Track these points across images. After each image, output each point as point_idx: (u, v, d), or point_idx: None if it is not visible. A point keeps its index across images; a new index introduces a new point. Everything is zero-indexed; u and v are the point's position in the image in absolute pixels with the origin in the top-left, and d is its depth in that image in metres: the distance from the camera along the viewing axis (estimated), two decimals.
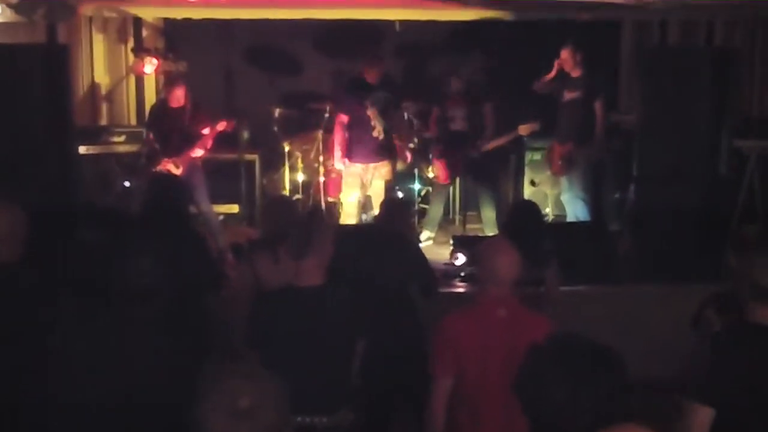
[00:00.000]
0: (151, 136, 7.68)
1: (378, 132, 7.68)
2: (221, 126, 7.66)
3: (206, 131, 7.56)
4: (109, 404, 2.95)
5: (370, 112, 7.67)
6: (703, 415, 3.02)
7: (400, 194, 8.45)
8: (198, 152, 7.55)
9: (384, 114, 7.74)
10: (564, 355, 2.24)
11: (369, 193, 7.88)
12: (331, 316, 3.69)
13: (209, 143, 7.60)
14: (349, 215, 7.87)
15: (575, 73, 7.84)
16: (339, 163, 7.88)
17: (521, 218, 5.43)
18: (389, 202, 5.93)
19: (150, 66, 8.74)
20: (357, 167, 7.78)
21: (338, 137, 7.80)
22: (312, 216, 4.30)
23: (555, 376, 2.19)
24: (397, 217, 5.28)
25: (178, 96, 7.49)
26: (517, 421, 3.58)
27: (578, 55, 7.81)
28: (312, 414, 3.57)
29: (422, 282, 5.08)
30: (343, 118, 7.78)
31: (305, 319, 3.65)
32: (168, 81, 7.83)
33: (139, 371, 2.99)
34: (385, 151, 7.85)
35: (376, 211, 7.38)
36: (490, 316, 3.66)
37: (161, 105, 7.77)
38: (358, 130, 7.72)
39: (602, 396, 2.18)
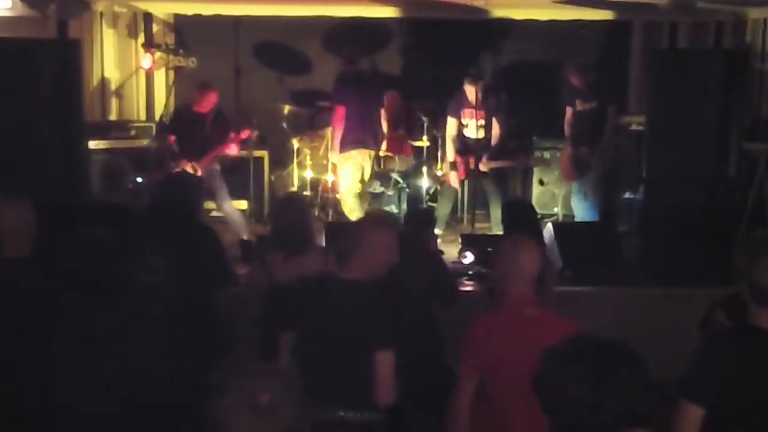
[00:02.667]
0: (173, 138, 7.71)
1: None
2: (245, 134, 7.82)
3: (230, 137, 7.64)
4: (115, 402, 2.96)
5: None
6: (693, 414, 3.00)
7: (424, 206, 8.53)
8: (233, 149, 7.68)
9: None
10: (586, 354, 2.22)
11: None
12: (362, 313, 3.62)
13: (234, 148, 7.70)
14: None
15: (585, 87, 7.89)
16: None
17: (515, 216, 5.40)
18: (415, 213, 5.88)
19: (160, 61, 8.76)
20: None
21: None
22: (366, 219, 4.27)
23: (576, 375, 2.17)
24: (421, 228, 5.27)
25: (210, 101, 7.51)
26: (543, 422, 3.56)
27: (586, 74, 7.85)
28: (345, 409, 3.53)
29: (443, 295, 5.03)
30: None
31: (340, 311, 3.61)
32: (201, 85, 7.74)
33: (146, 369, 3.00)
34: None
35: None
36: (519, 316, 3.61)
37: (186, 108, 7.79)
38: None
39: (625, 394, 2.16)
